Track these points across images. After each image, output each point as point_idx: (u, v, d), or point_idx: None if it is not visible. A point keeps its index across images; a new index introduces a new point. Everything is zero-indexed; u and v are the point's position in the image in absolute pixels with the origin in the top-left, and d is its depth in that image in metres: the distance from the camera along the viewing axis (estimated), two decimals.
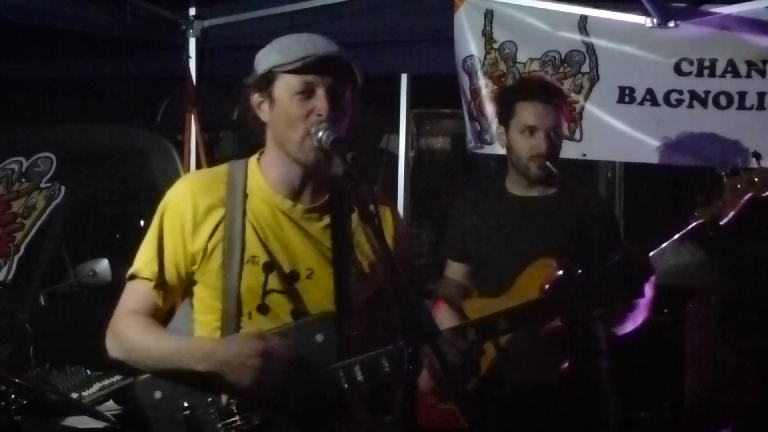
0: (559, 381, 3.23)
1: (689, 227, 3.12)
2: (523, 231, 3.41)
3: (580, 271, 2.84)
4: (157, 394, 2.34)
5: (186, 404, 2.33)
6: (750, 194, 3.10)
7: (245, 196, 2.45)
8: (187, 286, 2.49)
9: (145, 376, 2.42)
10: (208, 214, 2.43)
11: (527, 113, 3.39)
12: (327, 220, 2.46)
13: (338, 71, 2.37)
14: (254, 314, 2.40)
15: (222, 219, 2.43)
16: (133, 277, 2.49)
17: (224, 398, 2.35)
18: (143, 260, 2.48)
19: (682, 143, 3.96)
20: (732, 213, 3.11)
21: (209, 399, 2.34)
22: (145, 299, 2.46)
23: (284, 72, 2.37)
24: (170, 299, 2.52)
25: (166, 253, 2.45)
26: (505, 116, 3.49)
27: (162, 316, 2.51)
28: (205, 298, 2.47)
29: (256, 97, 2.44)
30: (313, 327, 2.37)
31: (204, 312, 2.47)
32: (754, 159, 3.32)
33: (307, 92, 2.36)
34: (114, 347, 2.47)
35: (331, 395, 2.34)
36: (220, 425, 2.34)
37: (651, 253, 3.17)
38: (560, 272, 3.13)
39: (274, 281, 2.40)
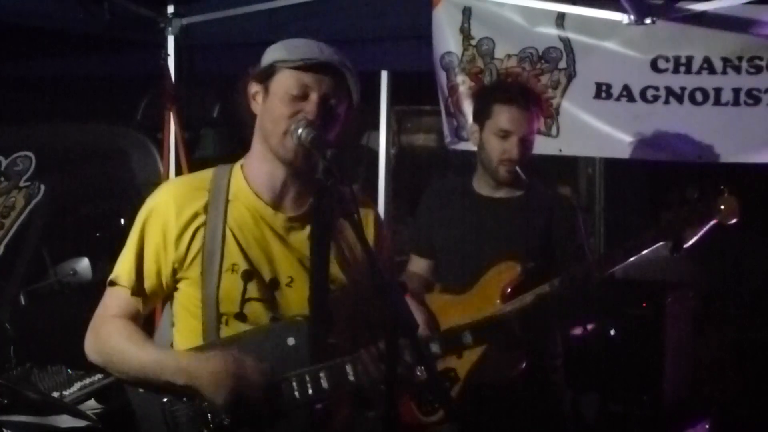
0: (517, 380, 3.28)
1: (652, 247, 3.19)
2: (488, 232, 3.44)
3: (558, 284, 2.85)
4: (140, 390, 2.43)
5: (165, 400, 2.40)
6: (715, 221, 3.17)
7: (227, 201, 2.46)
8: (169, 291, 2.51)
9: None
10: (191, 222, 2.44)
11: (503, 117, 3.41)
12: (308, 229, 2.46)
13: (336, 81, 2.40)
14: (232, 321, 2.42)
15: (203, 225, 2.43)
16: (113, 283, 2.50)
17: (198, 399, 2.37)
18: (123, 268, 2.49)
19: (659, 139, 3.99)
20: (695, 238, 3.18)
21: (184, 398, 2.39)
22: (126, 305, 2.48)
23: (285, 68, 2.40)
24: (151, 304, 2.54)
25: (146, 261, 2.46)
26: (481, 115, 3.51)
27: (142, 319, 2.52)
28: (186, 303, 2.48)
29: (253, 87, 2.47)
30: (285, 330, 2.39)
31: (185, 318, 2.49)
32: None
33: (301, 95, 2.38)
34: (94, 351, 2.48)
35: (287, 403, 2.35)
36: (192, 421, 2.38)
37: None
38: (522, 277, 3.20)
39: (253, 289, 2.42)
